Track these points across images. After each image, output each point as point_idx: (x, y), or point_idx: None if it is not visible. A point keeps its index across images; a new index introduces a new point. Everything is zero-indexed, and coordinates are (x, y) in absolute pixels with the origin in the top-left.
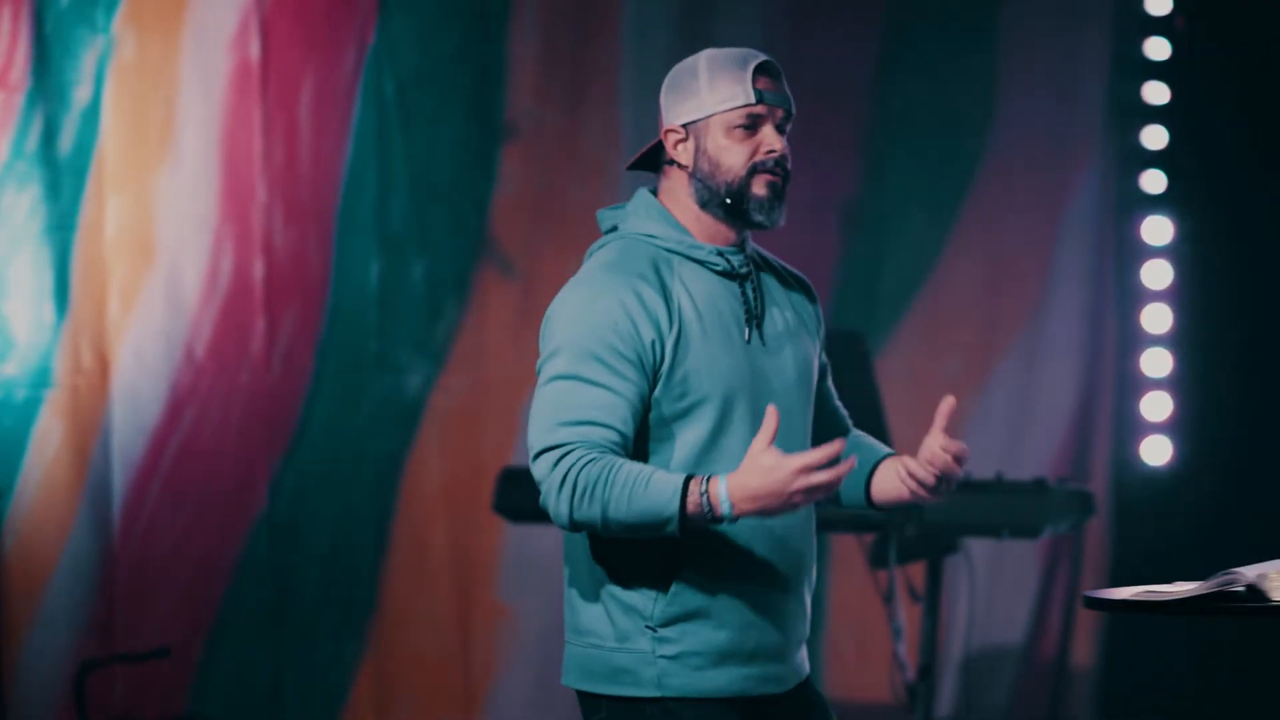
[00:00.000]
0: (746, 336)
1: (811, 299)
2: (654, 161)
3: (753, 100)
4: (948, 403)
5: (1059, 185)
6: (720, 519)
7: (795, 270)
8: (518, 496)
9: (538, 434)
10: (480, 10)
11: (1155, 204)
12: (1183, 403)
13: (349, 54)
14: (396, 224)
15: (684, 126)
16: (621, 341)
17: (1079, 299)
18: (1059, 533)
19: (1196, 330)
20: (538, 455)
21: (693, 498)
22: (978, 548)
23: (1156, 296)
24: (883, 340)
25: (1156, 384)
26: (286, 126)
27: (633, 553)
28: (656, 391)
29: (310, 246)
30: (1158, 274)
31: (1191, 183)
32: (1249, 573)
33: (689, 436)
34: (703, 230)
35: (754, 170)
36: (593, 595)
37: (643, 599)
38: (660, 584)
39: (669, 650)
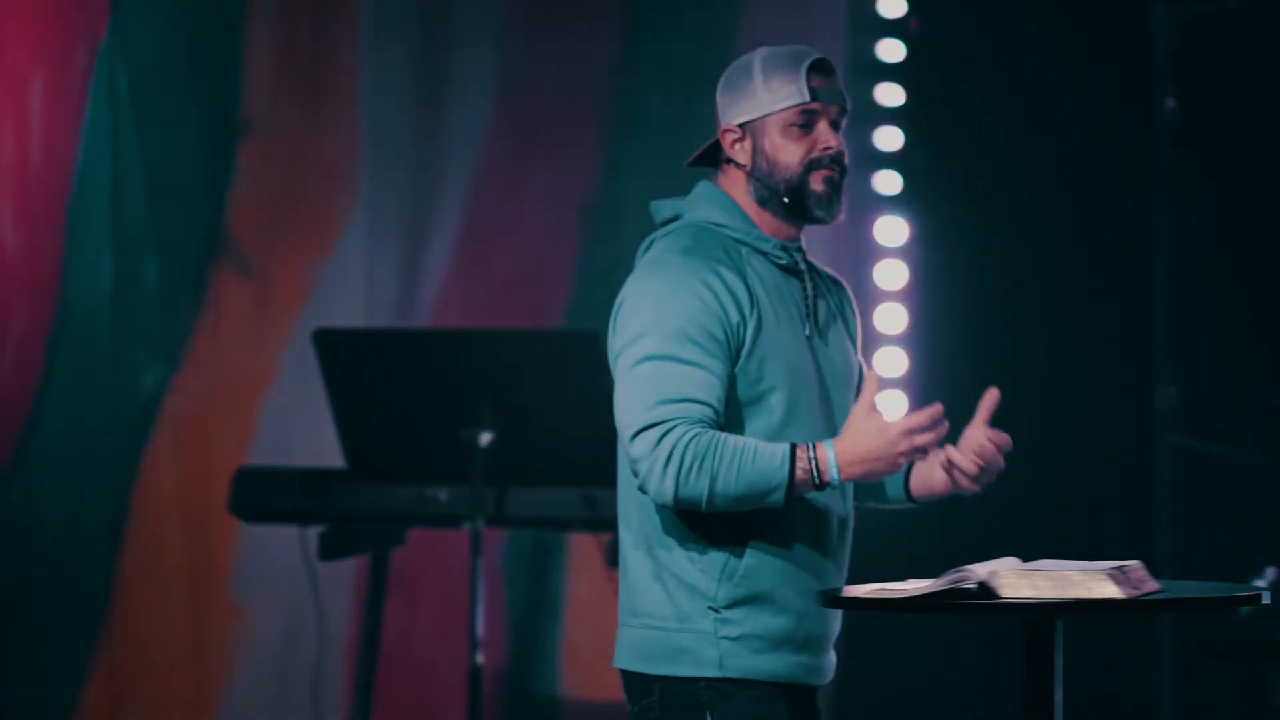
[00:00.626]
0: (807, 331)
1: (850, 301)
2: (710, 159)
3: (808, 98)
4: (991, 395)
5: None
6: (827, 484)
7: (833, 273)
8: (253, 497)
9: (634, 413)
10: (215, 7)
11: (889, 205)
12: (917, 402)
13: (80, 51)
14: (130, 222)
15: (740, 126)
16: (711, 321)
17: None
18: None
19: (930, 330)
20: (637, 434)
21: (801, 464)
22: None
23: (890, 297)
24: None
25: (891, 384)
26: (16, 124)
27: (697, 534)
28: (734, 374)
29: (41, 245)
30: (892, 274)
31: (925, 183)
32: (980, 570)
33: (758, 424)
34: (764, 226)
35: (810, 167)
36: (653, 576)
37: (706, 580)
38: (724, 565)
39: (731, 632)
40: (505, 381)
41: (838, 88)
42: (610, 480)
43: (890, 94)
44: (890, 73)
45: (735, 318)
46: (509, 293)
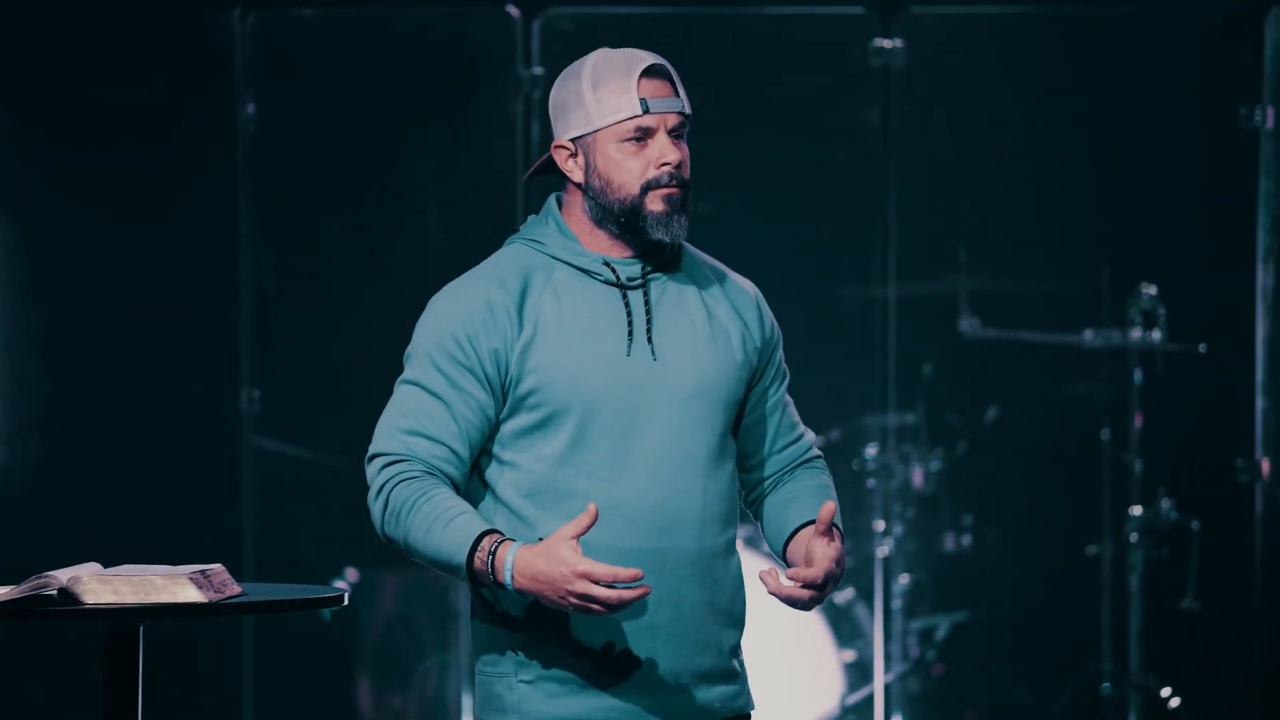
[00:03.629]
0: (627, 349)
1: (750, 308)
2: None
3: (638, 111)
4: (828, 509)
5: None
6: (502, 586)
7: (738, 278)
8: None
9: (376, 435)
10: None
11: None
12: (1, 409)
13: None
14: None
15: (572, 141)
16: (461, 352)
17: None
18: None
19: (13, 335)
20: (370, 458)
21: (480, 554)
22: None
23: None
24: None
25: None
26: None
27: None
28: (509, 402)
29: None
30: None
31: None
32: (61, 576)
33: (545, 449)
34: (598, 242)
35: (647, 188)
36: (478, 616)
37: (508, 619)
38: (521, 601)
39: (528, 675)
40: None
41: (675, 95)
42: None
43: None
44: None
45: (491, 345)
46: None
